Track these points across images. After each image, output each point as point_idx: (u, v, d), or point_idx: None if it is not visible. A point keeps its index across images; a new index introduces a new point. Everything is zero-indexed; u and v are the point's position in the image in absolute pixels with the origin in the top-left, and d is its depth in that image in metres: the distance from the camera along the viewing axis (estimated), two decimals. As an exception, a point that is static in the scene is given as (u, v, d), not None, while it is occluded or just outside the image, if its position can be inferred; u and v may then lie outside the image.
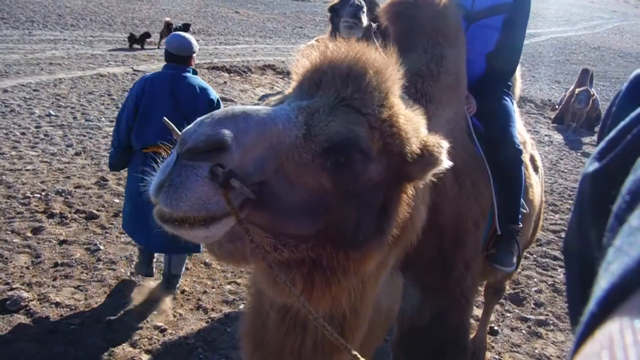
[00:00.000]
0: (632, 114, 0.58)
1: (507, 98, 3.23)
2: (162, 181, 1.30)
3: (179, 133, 1.35)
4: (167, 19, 18.52)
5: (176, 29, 17.33)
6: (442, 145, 1.64)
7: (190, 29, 18.86)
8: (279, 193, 1.40)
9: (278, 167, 1.40)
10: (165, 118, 1.68)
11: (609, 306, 0.37)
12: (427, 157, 1.60)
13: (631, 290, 0.36)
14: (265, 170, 1.38)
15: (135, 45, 16.94)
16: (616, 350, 0.32)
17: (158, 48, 17.39)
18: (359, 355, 1.35)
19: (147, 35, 17.31)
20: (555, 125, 13.06)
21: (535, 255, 6.01)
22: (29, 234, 5.22)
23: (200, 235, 1.37)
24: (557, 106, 14.08)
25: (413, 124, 1.65)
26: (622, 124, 0.59)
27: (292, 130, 1.43)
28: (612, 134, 0.60)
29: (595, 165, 0.61)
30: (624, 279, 0.37)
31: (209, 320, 4.27)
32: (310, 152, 1.43)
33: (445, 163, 1.63)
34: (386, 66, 1.64)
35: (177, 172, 1.28)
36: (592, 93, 12.71)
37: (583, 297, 0.44)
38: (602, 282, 0.39)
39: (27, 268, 4.64)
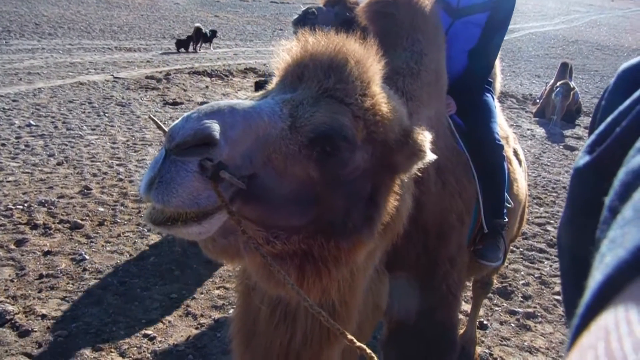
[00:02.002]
0: (621, 107, 0.58)
1: (487, 94, 3.25)
2: (152, 178, 1.30)
3: (166, 130, 1.36)
4: (197, 24, 19.12)
5: (205, 35, 17.91)
6: (425, 136, 1.67)
7: (170, 33, 19.12)
8: (268, 185, 1.42)
9: (266, 160, 1.42)
10: (150, 115, 1.69)
11: (604, 298, 0.37)
12: (411, 146, 1.64)
13: (626, 282, 0.36)
14: (254, 163, 1.39)
15: (182, 49, 18.31)
16: (612, 342, 0.32)
17: (196, 52, 18.37)
18: (354, 339, 1.36)
19: (191, 39, 18.24)
20: (537, 119, 13.19)
21: (521, 249, 6.06)
22: (12, 246, 5.14)
23: (194, 232, 1.38)
24: (538, 100, 14.21)
25: (396, 113, 1.68)
26: (611, 116, 0.59)
27: (277, 123, 1.44)
28: (601, 127, 0.60)
29: (586, 158, 0.61)
30: (618, 270, 0.37)
31: (199, 326, 4.24)
32: (297, 143, 1.45)
33: (430, 156, 1.66)
34: (367, 56, 1.67)
35: (167, 168, 1.29)
36: (571, 86, 12.86)
37: (578, 291, 0.44)
38: (597, 274, 0.39)
39: (12, 281, 4.57)
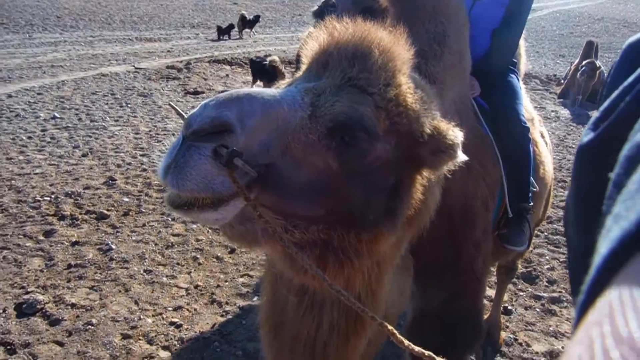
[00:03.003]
0: (625, 83, 0.57)
1: (512, 75, 3.18)
2: (169, 163, 1.32)
3: (185, 116, 1.37)
4: (243, 11, 19.51)
5: (249, 21, 18.22)
6: (456, 134, 1.61)
7: (190, 22, 19.35)
8: (287, 174, 1.41)
9: (284, 149, 1.41)
10: (170, 103, 1.70)
11: (610, 272, 0.37)
12: (438, 141, 1.58)
13: (631, 254, 0.35)
14: (272, 151, 1.39)
15: (223, 37, 18.88)
16: (616, 318, 0.32)
17: (240, 38, 18.86)
18: (385, 323, 1.35)
19: (231, 26, 18.62)
20: (561, 100, 12.94)
21: (546, 233, 5.98)
22: (41, 237, 5.25)
23: (210, 218, 1.39)
24: (562, 81, 13.94)
25: (423, 104, 1.64)
26: (615, 93, 0.58)
27: (297, 112, 1.43)
28: (605, 103, 0.59)
29: (591, 135, 0.60)
30: (623, 243, 0.36)
31: (224, 313, 4.29)
32: (316, 132, 1.44)
33: (461, 156, 1.60)
34: (394, 45, 1.63)
35: (182, 153, 1.31)
36: (597, 65, 12.56)
37: (584, 267, 0.43)
38: (602, 249, 0.38)
39: (41, 271, 4.67)
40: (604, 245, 0.38)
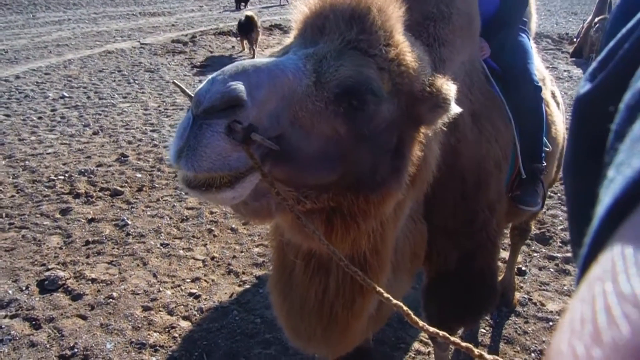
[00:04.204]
0: (623, 30, 0.55)
1: (523, 35, 3.12)
2: (181, 147, 1.28)
3: (191, 94, 1.34)
4: None
5: None
6: (450, 87, 1.62)
7: None
8: (297, 145, 1.40)
9: (292, 119, 1.39)
10: (174, 81, 1.67)
11: (613, 224, 0.35)
12: (436, 96, 1.60)
13: (635, 204, 0.34)
14: (281, 122, 1.37)
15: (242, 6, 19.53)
16: (619, 274, 0.30)
17: (259, 3, 19.36)
18: (382, 291, 1.35)
19: None
20: (574, 59, 12.70)
21: (559, 194, 5.96)
22: (58, 215, 5.33)
23: (228, 197, 1.36)
24: (575, 39, 13.66)
25: (420, 62, 1.64)
26: (613, 41, 0.56)
27: (302, 80, 1.41)
28: (603, 53, 0.57)
29: (588, 86, 0.58)
30: (627, 192, 0.34)
31: (241, 283, 4.36)
32: (323, 99, 1.43)
33: (455, 108, 1.61)
34: (388, 3, 1.60)
35: (194, 134, 1.27)
36: (610, 22, 12.27)
37: (584, 220, 0.42)
38: (605, 200, 0.37)
39: (60, 248, 4.76)
40: (607, 195, 0.37)
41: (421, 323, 1.30)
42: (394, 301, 1.32)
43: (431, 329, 1.26)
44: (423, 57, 1.69)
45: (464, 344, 1.14)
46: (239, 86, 1.27)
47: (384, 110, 1.52)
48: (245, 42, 12.94)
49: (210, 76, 1.33)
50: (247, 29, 12.45)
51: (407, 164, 1.63)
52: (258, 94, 1.31)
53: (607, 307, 0.30)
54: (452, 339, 1.18)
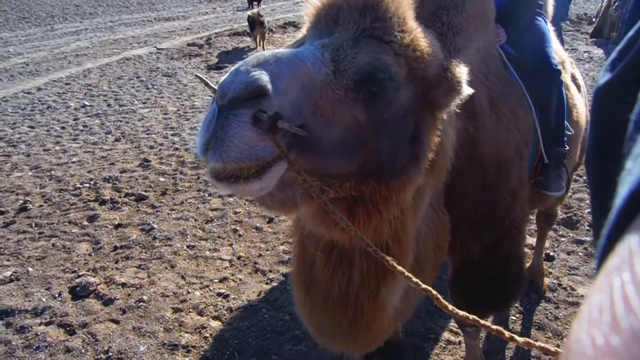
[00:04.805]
0: None
1: (539, 18, 3.08)
2: (208, 139, 1.30)
3: (215, 87, 1.36)
4: None
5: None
6: (462, 69, 1.64)
7: None
8: (319, 134, 1.41)
9: (314, 108, 1.40)
10: (197, 74, 1.70)
11: (630, 215, 0.36)
12: (450, 80, 1.61)
13: None
14: (303, 112, 1.38)
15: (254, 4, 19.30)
16: (636, 263, 0.31)
17: (272, 2, 19.24)
18: (410, 275, 1.36)
19: None
20: (593, 39, 12.43)
21: (585, 177, 5.86)
22: (86, 223, 5.44)
23: (256, 188, 1.37)
24: (594, 19, 13.36)
25: (434, 47, 1.66)
26: (632, 31, 0.55)
27: (321, 68, 1.42)
28: (622, 43, 0.57)
29: (608, 76, 0.58)
30: None
31: (268, 281, 4.40)
32: (342, 87, 1.44)
33: (467, 90, 1.63)
34: None
35: (221, 124, 1.28)
36: (630, -1, 11.97)
37: (605, 211, 0.42)
38: (622, 191, 0.37)
39: (89, 255, 4.86)
40: (624, 186, 0.37)
41: (450, 307, 1.31)
42: (423, 285, 1.34)
43: (460, 312, 1.27)
44: (435, 43, 1.70)
45: (494, 327, 1.14)
46: (263, 76, 1.28)
47: (401, 96, 1.53)
48: (258, 38, 13.55)
49: (233, 67, 1.35)
50: (251, 27, 13.36)
51: (426, 150, 1.65)
52: (280, 83, 1.32)
53: (624, 296, 0.30)
54: (482, 322, 1.19)
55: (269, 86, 1.28)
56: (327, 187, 1.48)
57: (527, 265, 4.05)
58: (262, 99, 1.29)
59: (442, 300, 1.30)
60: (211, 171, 1.37)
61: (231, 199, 5.78)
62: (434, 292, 1.31)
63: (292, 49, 1.48)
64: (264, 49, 13.15)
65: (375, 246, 1.58)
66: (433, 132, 1.69)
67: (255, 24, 13.12)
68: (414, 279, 1.37)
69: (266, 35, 13.64)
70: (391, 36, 1.53)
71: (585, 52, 11.59)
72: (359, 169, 1.50)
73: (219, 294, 4.24)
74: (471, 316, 1.23)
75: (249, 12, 13.82)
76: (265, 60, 1.34)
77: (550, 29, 3.16)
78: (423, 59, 1.59)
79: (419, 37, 1.61)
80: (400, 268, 1.43)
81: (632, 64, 0.53)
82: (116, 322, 3.94)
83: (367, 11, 1.53)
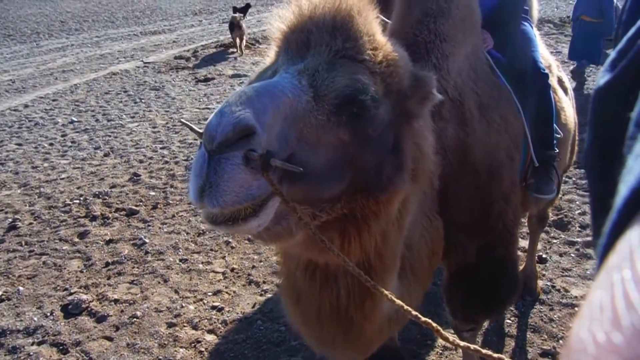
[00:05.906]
0: None
1: (525, 23, 3.12)
2: (201, 185, 1.28)
3: (200, 132, 1.34)
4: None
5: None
6: (431, 77, 1.69)
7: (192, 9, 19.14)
8: (307, 161, 1.40)
9: (299, 136, 1.40)
10: (182, 120, 1.69)
11: (631, 213, 0.36)
12: (421, 90, 1.66)
13: None
14: (289, 142, 1.38)
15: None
16: (636, 260, 0.31)
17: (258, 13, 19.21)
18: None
19: (248, 6, 18.56)
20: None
21: (574, 179, 5.91)
22: (76, 239, 5.39)
23: (254, 226, 1.37)
24: (576, 22, 13.50)
25: (403, 59, 1.68)
26: (631, 30, 0.56)
27: (301, 97, 1.42)
28: (621, 43, 0.57)
29: (607, 76, 0.58)
30: None
31: (262, 292, 4.37)
32: (324, 112, 1.44)
33: (437, 96, 1.68)
34: (365, 6, 1.62)
35: (214, 170, 1.26)
36: (614, 1, 12.14)
37: (604, 211, 0.42)
38: (623, 190, 0.37)
39: (81, 271, 4.81)
40: (625, 185, 0.37)
41: (451, 338, 1.31)
42: (414, 312, 1.35)
43: (462, 343, 1.29)
44: (403, 53, 1.73)
45: (495, 355, 1.13)
46: (248, 114, 1.27)
47: (381, 112, 1.55)
48: (237, 40, 14.36)
49: (216, 109, 1.33)
50: (231, 29, 14.29)
51: (408, 159, 1.67)
52: (264, 119, 1.31)
53: (625, 293, 0.30)
54: (484, 351, 1.19)
55: (256, 124, 1.27)
56: (319, 212, 1.49)
57: (521, 268, 4.06)
58: (250, 138, 1.28)
59: (443, 332, 1.29)
60: (207, 216, 1.36)
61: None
62: (434, 324, 1.29)
63: (269, 81, 1.46)
64: (241, 51, 14.09)
65: (358, 262, 1.59)
66: (411, 139, 1.72)
67: (235, 26, 14.08)
68: (398, 302, 1.38)
69: (245, 37, 14.48)
70: (364, 54, 1.54)
71: (569, 55, 11.68)
72: (347, 187, 1.50)
73: (213, 307, 4.20)
74: (472, 346, 1.24)
75: (231, 15, 14.94)
76: (248, 97, 1.32)
77: (536, 33, 3.20)
78: (396, 72, 1.61)
79: (390, 51, 1.62)
80: (382, 290, 1.45)
81: (632, 64, 0.53)
82: (110, 339, 3.90)
83: (338, 32, 1.53)
